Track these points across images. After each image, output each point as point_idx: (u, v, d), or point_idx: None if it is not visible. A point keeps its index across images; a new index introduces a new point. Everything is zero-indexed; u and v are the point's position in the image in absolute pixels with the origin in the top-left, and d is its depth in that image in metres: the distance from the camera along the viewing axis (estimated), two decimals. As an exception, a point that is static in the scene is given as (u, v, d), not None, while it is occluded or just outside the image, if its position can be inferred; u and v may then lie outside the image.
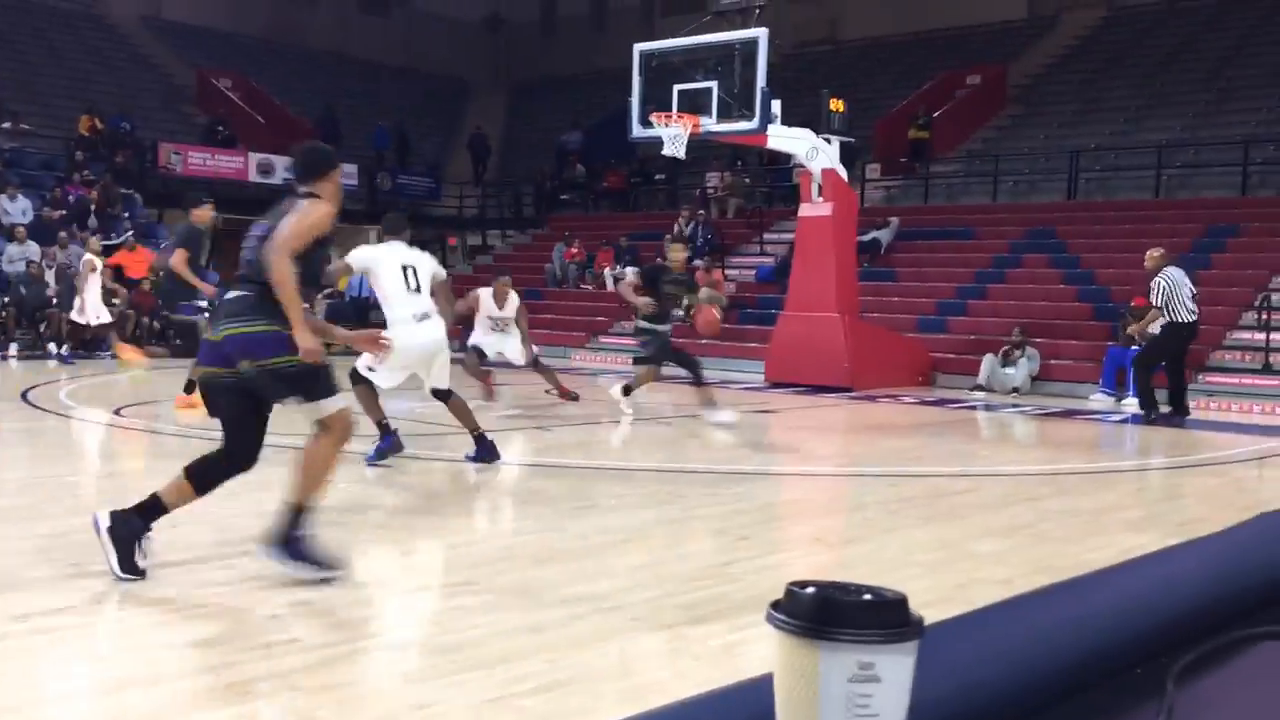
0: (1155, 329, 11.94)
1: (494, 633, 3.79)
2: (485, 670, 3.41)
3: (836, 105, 14.73)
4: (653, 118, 13.95)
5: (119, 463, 8.22)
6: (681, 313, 10.68)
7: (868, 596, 1.03)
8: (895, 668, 1.01)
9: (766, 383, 14.73)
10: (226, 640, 3.67)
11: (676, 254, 10.67)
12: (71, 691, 3.29)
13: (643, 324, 10.22)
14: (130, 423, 9.46)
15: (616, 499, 6.49)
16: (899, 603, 1.03)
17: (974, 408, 13.04)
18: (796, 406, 12.66)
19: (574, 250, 21.99)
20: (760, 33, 13.57)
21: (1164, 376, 11.85)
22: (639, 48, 14.49)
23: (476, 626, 3.84)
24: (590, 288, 21.30)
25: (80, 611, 3.94)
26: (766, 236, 20.74)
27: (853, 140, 15.84)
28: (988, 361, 14.59)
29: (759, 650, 3.70)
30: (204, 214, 10.22)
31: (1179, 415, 11.73)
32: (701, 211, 21.87)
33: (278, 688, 3.28)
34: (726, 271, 19.54)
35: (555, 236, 23.20)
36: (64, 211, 18.97)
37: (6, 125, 20.96)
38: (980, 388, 14.42)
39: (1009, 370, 14.47)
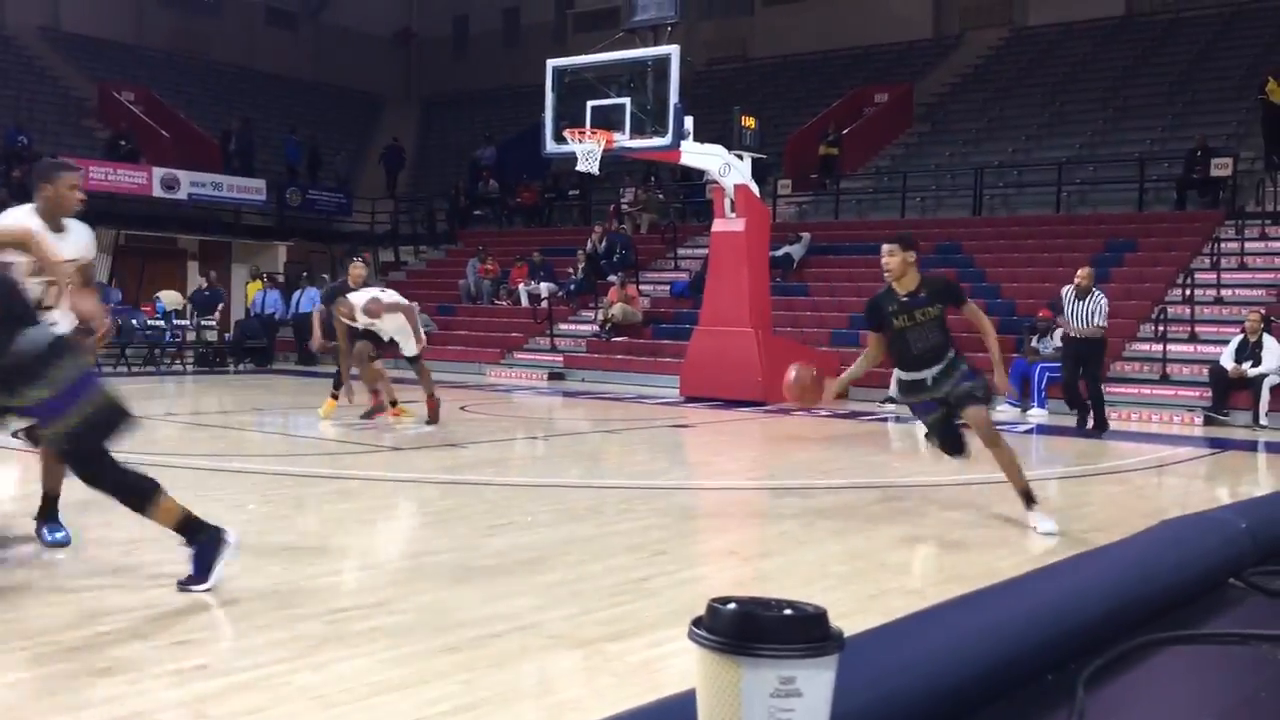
0: (1057, 340, 12.31)
1: (410, 654, 3.74)
2: (402, 692, 3.37)
3: (748, 122, 14.90)
4: (566, 134, 13.97)
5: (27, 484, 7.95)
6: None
7: (788, 611, 1.04)
8: (816, 682, 1.02)
9: (682, 397, 14.80)
10: (133, 668, 3.57)
11: (891, 259, 6.32)
12: (-33, 725, 3.17)
13: (900, 374, 6.65)
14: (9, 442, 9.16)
15: (532, 516, 6.46)
16: (819, 617, 1.04)
17: (885, 420, 13.24)
18: (711, 420, 12.74)
19: (488, 266, 21.88)
20: (672, 50, 13.68)
21: (1083, 389, 12.15)
22: (552, 63, 14.51)
23: (392, 648, 3.79)
24: (505, 304, 21.20)
25: (-24, 642, 3.80)
26: (680, 252, 20.86)
27: (764, 156, 16.02)
28: (898, 374, 14.82)
29: (679, 665, 3.71)
30: (358, 271, 10.96)
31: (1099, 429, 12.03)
32: (623, 226, 21.95)
33: (186, 716, 3.19)
34: (641, 287, 19.61)
35: (469, 252, 23.07)
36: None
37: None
38: (891, 400, 14.62)
39: (919, 383, 14.71)
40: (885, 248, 6.42)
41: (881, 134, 23.79)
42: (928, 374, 6.38)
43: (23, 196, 21.17)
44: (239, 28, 31.54)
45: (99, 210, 22.30)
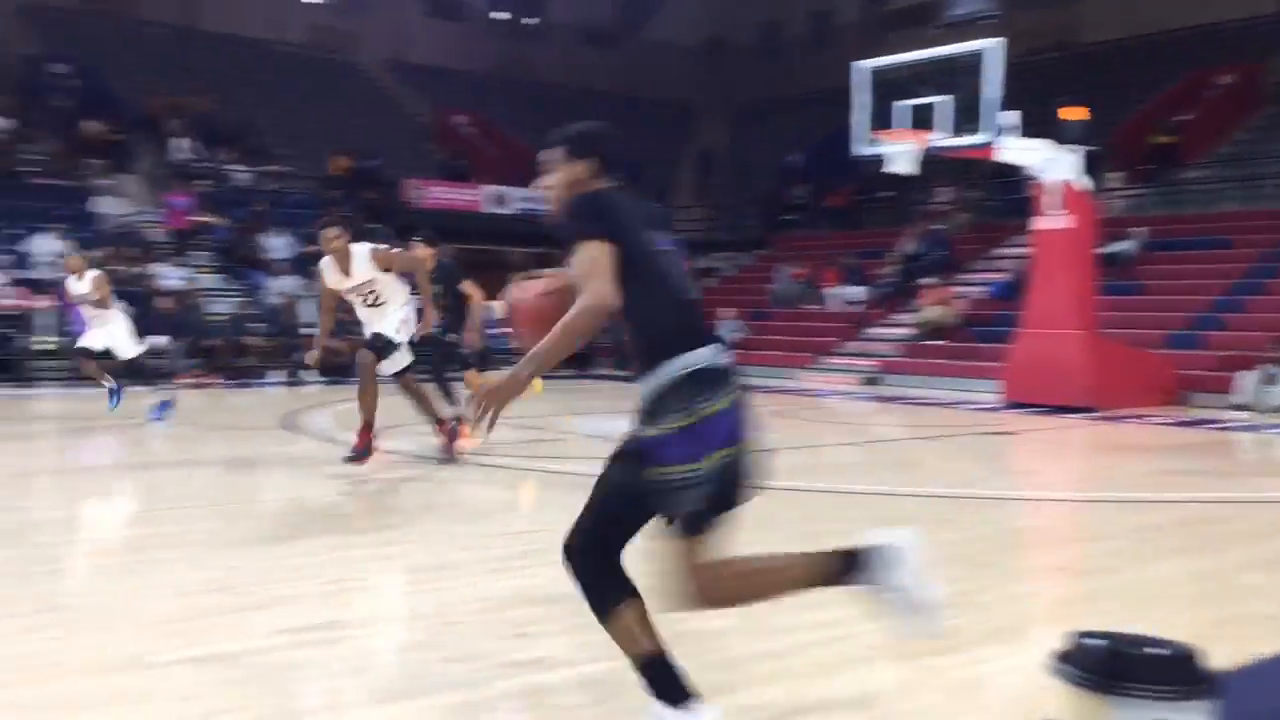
0: None
1: (729, 658, 3.79)
2: (724, 696, 3.41)
3: (1074, 113, 14.15)
4: (879, 134, 13.76)
5: (374, 484, 8.66)
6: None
7: (1159, 650, 0.98)
8: (1188, 725, 0.96)
9: (1005, 402, 14.23)
10: (476, 658, 3.81)
11: (549, 178, 3.38)
12: (335, 704, 3.48)
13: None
14: (385, 445, 9.96)
15: (848, 523, 6.39)
16: (1191, 657, 0.98)
17: (1232, 429, 12.20)
18: (1035, 428, 12.17)
19: (799, 270, 21.87)
20: (989, 43, 13.20)
21: None
22: (862, 65, 14.34)
23: (712, 651, 3.86)
24: (816, 308, 21.11)
25: (343, 626, 4.17)
26: (998, 251, 20.06)
27: (1092, 148, 15.13)
28: (1248, 379, 13.62)
29: (1007, 683, 3.58)
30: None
31: None
32: (938, 227, 21.34)
33: (524, 705, 3.38)
34: (957, 289, 19.01)
35: (779, 257, 23.14)
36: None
37: (273, 168, 22.64)
38: (1241, 407, 13.47)
39: (1273, 388, 13.47)
40: (541, 155, 3.40)
41: (1225, 118, 21.90)
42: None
43: (374, 217, 23.10)
44: (559, 49, 33.10)
45: (436, 226, 24.05)
